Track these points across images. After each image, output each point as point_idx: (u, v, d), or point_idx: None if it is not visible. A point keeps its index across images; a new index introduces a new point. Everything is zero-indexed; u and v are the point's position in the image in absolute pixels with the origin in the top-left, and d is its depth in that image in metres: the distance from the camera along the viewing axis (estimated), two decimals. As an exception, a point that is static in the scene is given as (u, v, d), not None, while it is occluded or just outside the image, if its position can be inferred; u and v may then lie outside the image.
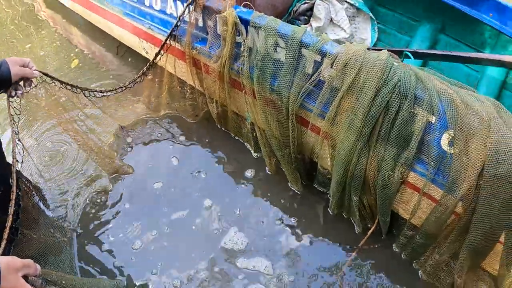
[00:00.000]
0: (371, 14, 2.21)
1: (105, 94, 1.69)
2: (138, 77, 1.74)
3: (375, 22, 2.25)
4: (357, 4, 2.24)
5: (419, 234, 1.37)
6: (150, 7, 1.85)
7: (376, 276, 1.53)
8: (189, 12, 1.64)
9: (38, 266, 1.03)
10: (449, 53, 1.89)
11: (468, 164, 1.15)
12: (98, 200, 1.80)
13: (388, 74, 1.21)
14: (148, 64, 1.74)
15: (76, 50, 2.68)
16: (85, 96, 1.62)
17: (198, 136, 2.04)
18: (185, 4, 1.63)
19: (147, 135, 2.07)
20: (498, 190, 1.11)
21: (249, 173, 1.87)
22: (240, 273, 1.56)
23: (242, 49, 1.52)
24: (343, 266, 1.55)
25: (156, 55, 1.72)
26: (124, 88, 1.72)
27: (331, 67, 1.31)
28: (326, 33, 2.27)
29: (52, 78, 1.45)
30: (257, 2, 1.99)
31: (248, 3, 1.62)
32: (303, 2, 2.22)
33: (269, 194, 1.79)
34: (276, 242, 1.63)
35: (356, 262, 1.56)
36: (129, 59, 2.47)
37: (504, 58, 1.72)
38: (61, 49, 2.71)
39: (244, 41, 1.51)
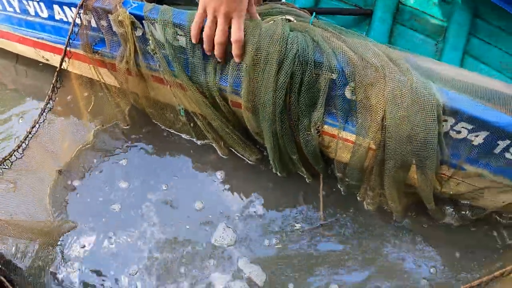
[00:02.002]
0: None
1: (23, 144, 1.61)
2: (46, 103, 1.65)
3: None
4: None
5: (347, 174, 1.58)
6: (36, 15, 1.78)
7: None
8: (79, 15, 1.61)
9: None
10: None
11: (371, 110, 1.33)
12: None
13: (286, 46, 1.32)
14: (51, 85, 1.67)
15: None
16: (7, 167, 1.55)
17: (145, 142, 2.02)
18: (74, 9, 1.60)
19: (92, 169, 1.94)
20: (400, 129, 1.32)
21: (206, 160, 1.94)
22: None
23: (151, 47, 1.53)
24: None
25: (58, 74, 1.67)
26: (39, 123, 1.64)
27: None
28: None
29: None
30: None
31: None
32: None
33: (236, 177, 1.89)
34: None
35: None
36: (39, 64, 2.28)
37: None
38: None
39: (149, 37, 1.52)
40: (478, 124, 1.30)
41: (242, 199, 1.83)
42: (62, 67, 1.67)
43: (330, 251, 1.69)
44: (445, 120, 1.33)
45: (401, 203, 1.57)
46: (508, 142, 1.31)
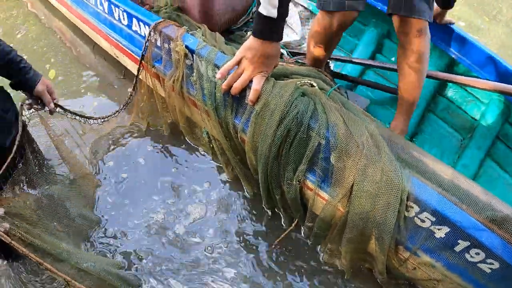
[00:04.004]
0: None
1: (105, 119, 2.25)
2: (129, 98, 2.30)
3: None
4: (310, 8, 2.65)
5: (316, 226, 1.89)
6: (119, 21, 2.31)
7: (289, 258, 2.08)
8: (150, 34, 2.09)
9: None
10: (384, 64, 2.34)
11: (344, 178, 1.64)
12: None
13: (290, 107, 1.68)
14: (133, 84, 2.28)
15: (62, 48, 3.11)
16: (89, 124, 2.16)
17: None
18: (147, 27, 2.09)
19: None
20: (364, 201, 1.59)
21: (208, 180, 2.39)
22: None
23: (194, 78, 1.96)
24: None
25: (136, 78, 2.23)
26: (124, 108, 2.29)
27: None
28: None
29: (64, 110, 1.97)
30: (216, 7, 2.42)
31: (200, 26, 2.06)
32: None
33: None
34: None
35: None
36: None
37: (438, 74, 2.16)
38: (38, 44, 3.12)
39: (195, 69, 1.95)
40: (440, 218, 1.51)
41: (230, 196, 2.31)
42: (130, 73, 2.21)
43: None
44: (411, 207, 1.58)
45: (351, 263, 1.85)
46: (468, 243, 1.50)
